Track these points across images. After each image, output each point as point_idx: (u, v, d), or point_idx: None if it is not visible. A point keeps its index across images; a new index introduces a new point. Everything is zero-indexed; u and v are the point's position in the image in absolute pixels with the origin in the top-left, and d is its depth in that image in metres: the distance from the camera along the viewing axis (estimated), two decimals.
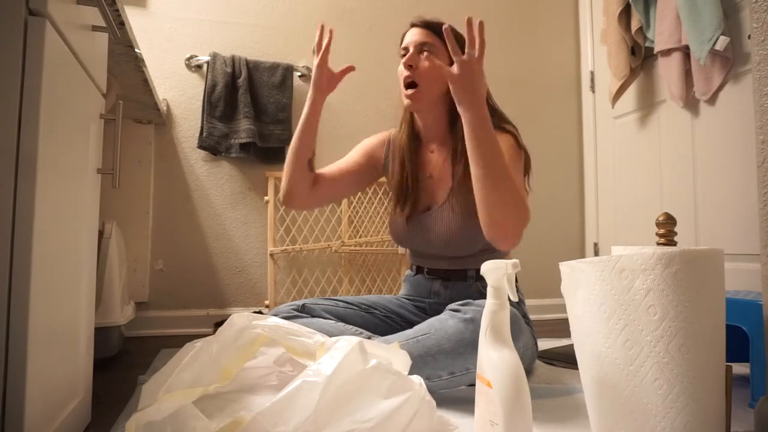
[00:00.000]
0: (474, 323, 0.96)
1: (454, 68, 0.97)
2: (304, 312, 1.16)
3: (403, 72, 1.15)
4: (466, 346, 0.95)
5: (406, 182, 1.21)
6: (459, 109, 1.01)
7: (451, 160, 1.18)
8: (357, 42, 2.08)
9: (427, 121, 1.22)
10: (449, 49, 0.98)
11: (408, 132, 1.24)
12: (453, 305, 1.04)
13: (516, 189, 1.00)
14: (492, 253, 1.18)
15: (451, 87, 1.00)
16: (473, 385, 1.10)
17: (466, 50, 0.97)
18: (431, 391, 0.98)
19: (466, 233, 1.14)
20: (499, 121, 1.15)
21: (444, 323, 0.99)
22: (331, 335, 1.02)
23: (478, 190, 1.01)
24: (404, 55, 1.16)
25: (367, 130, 2.08)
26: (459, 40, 1.05)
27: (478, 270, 1.16)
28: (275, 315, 1.16)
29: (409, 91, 1.14)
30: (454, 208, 1.16)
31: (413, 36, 1.15)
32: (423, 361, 0.96)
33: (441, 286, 1.22)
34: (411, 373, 0.98)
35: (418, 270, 1.29)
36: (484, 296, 0.97)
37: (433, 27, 1.14)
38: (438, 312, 1.08)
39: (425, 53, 1.13)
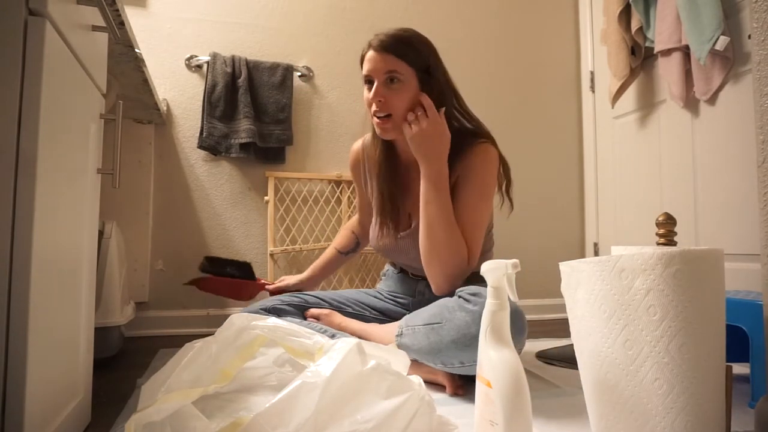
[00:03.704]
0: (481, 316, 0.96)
1: (412, 127, 1.02)
2: (271, 313, 1.17)
3: (370, 102, 1.10)
4: (472, 339, 0.94)
5: (386, 204, 1.20)
6: (417, 159, 1.07)
7: None
8: (357, 41, 2.08)
9: (403, 143, 1.16)
10: (426, 112, 1.04)
11: (383, 152, 1.20)
12: (463, 292, 1.02)
13: (452, 255, 1.06)
14: (482, 256, 1.21)
15: (408, 142, 1.05)
16: None
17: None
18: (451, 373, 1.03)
19: None
20: (474, 135, 1.15)
21: (453, 314, 0.98)
22: None
23: (421, 241, 1.09)
24: (367, 82, 1.10)
25: (367, 130, 2.09)
26: (421, 49, 1.09)
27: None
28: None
29: (381, 121, 1.10)
30: None
31: (375, 63, 1.06)
32: (437, 349, 0.99)
33: (426, 286, 1.23)
34: (428, 358, 1.01)
35: (402, 269, 1.32)
36: (467, 297, 1.01)
37: (394, 49, 1.05)
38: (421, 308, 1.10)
39: (392, 83, 1.07)
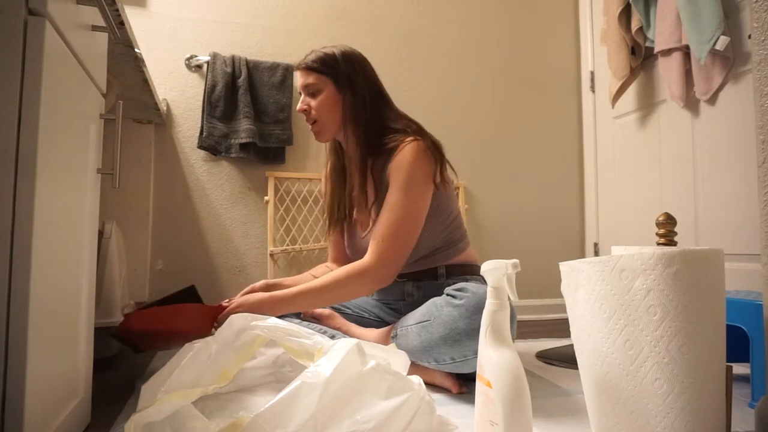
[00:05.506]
0: (467, 310, 0.97)
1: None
2: None
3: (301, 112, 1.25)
4: (460, 334, 0.97)
5: (337, 207, 1.31)
6: None
7: (372, 178, 1.19)
8: (357, 42, 2.08)
9: (345, 145, 1.26)
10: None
11: (335, 161, 1.31)
12: (449, 289, 1.06)
13: (345, 287, 1.09)
14: (454, 246, 1.22)
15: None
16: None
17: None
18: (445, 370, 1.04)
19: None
20: (405, 134, 1.16)
21: (440, 310, 1.02)
22: None
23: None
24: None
25: None
26: (337, 63, 1.18)
27: (448, 266, 1.19)
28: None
29: (312, 127, 1.23)
30: None
31: (299, 80, 1.23)
32: (429, 347, 1.01)
33: (413, 287, 1.23)
34: (421, 357, 1.02)
35: None
36: (453, 293, 1.02)
37: (311, 67, 1.20)
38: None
39: (314, 95, 1.21)
